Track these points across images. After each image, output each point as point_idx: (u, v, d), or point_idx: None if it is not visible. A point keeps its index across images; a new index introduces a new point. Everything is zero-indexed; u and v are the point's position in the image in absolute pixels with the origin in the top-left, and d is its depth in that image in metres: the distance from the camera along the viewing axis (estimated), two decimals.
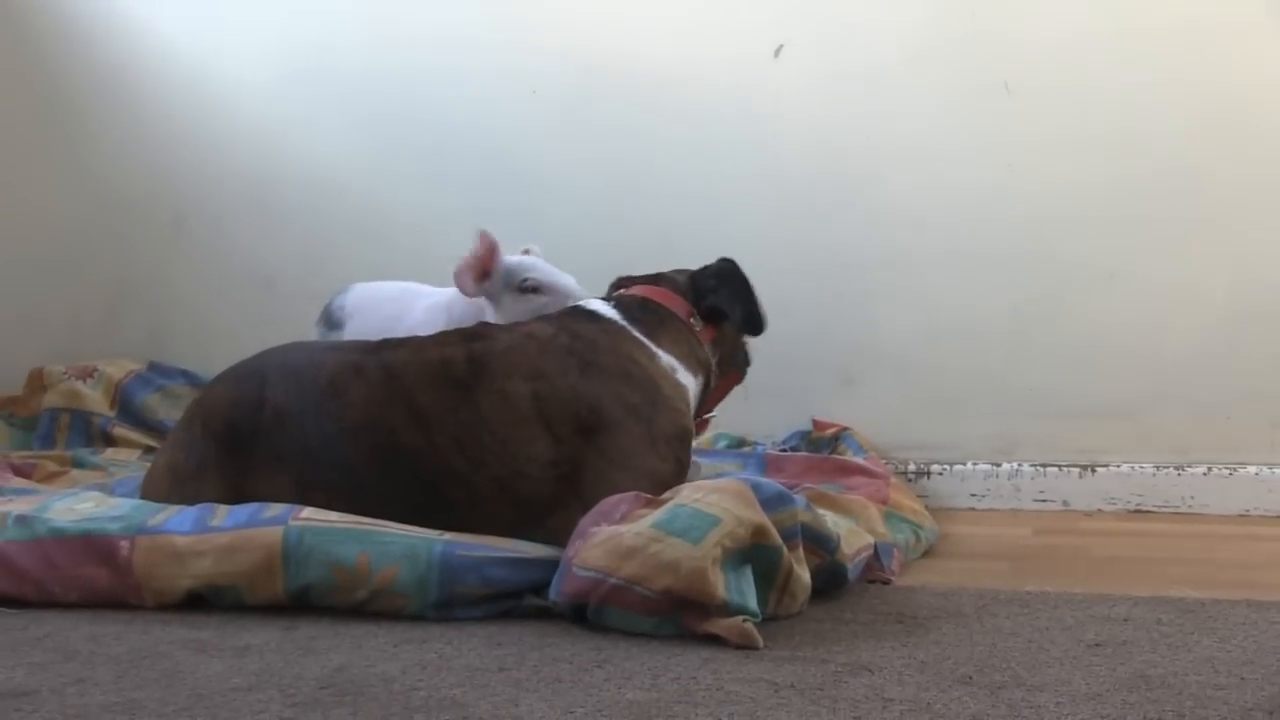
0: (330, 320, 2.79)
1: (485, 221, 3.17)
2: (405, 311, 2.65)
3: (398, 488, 2.13)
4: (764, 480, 1.97)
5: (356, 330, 2.70)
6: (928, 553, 2.50)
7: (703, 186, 3.12)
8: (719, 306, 2.43)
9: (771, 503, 1.91)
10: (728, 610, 1.80)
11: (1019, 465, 2.96)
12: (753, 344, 2.58)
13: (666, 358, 2.33)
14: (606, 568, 1.84)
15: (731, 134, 3.12)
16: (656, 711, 1.51)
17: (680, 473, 2.23)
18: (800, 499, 1.98)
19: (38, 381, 3.27)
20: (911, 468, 3.01)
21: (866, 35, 3.03)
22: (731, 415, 2.88)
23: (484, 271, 2.49)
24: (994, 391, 3.00)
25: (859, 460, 2.76)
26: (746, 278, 2.46)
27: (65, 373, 3.24)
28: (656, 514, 1.88)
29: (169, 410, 3.24)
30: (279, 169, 3.37)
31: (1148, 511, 2.87)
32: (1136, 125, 2.89)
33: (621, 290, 2.45)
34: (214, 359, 3.24)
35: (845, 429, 2.99)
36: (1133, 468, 2.89)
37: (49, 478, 2.85)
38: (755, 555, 1.87)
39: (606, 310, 2.36)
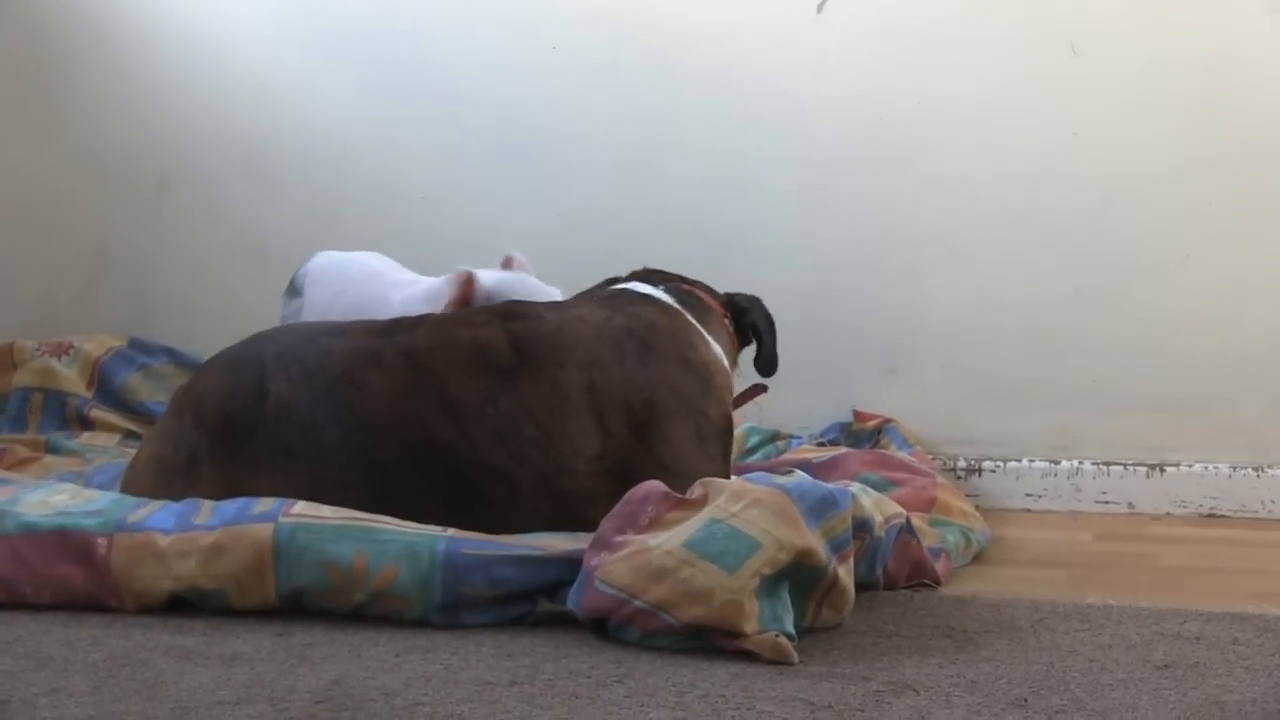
0: (292, 287, 2.82)
1: (499, 189, 3.20)
2: (376, 298, 2.65)
3: (429, 485, 2.13)
4: (807, 482, 1.95)
5: (316, 304, 2.72)
6: (978, 558, 2.50)
7: (735, 158, 3.10)
8: (756, 325, 2.51)
9: (817, 511, 1.90)
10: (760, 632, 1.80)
11: (1079, 463, 2.95)
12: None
13: (717, 347, 2.38)
14: (632, 588, 1.84)
15: (767, 101, 3.09)
16: None
17: (725, 469, 2.26)
18: (846, 494, 1.98)
19: (8, 358, 3.25)
20: (961, 464, 3.00)
21: None
22: (769, 407, 2.88)
23: (464, 305, 2.51)
24: (1053, 382, 2.99)
25: (905, 456, 2.76)
26: (772, 320, 2.54)
27: (39, 349, 3.23)
28: (690, 529, 1.87)
29: (151, 391, 3.23)
30: (275, 132, 3.35)
31: (1221, 516, 2.86)
32: (1216, 95, 2.86)
33: (662, 279, 2.49)
34: (201, 336, 3.27)
35: (889, 421, 2.98)
36: (1206, 468, 2.88)
37: (20, 464, 2.85)
38: (794, 572, 1.86)
39: (659, 294, 2.38)
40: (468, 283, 2.51)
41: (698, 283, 2.52)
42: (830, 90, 3.05)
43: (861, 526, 2.01)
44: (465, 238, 3.15)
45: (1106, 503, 2.93)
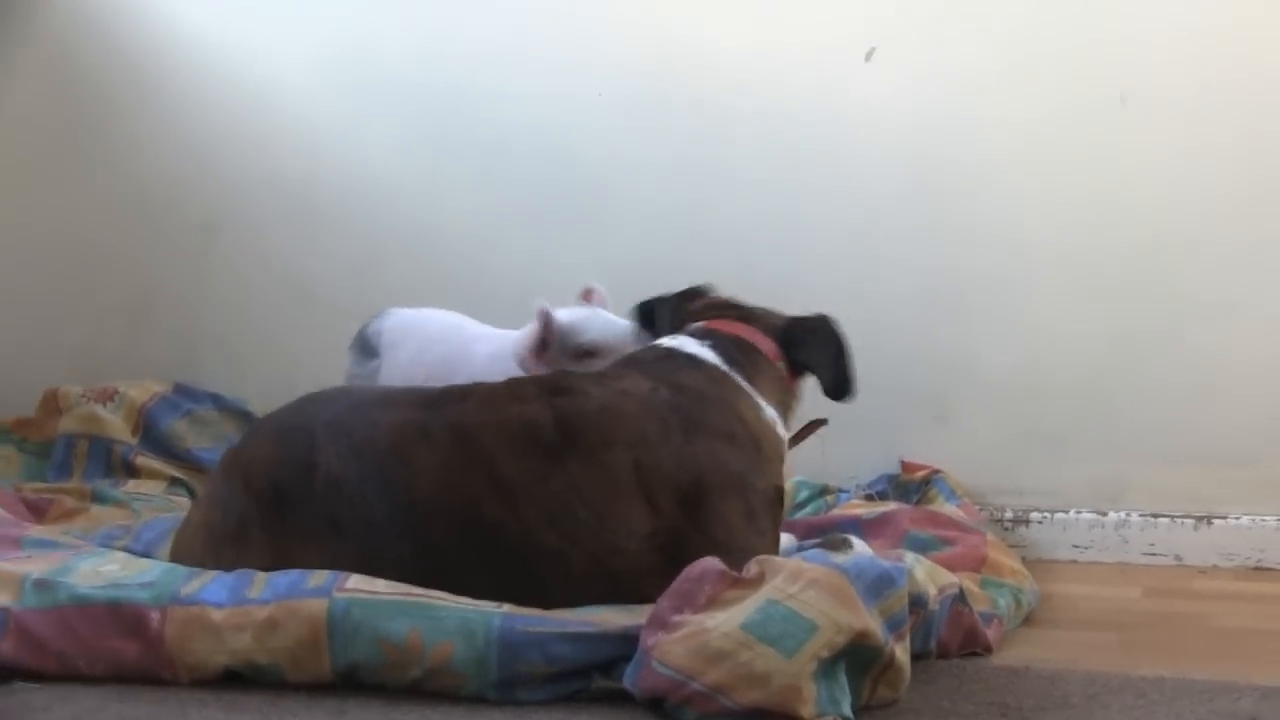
0: (365, 347, 2.83)
1: (545, 236, 3.21)
2: (460, 355, 2.68)
3: (481, 566, 2.13)
4: (864, 560, 1.96)
5: (397, 364, 2.75)
6: (1029, 619, 2.50)
7: (782, 199, 3.12)
8: (808, 364, 2.47)
9: (874, 590, 1.91)
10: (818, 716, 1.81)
11: (1127, 514, 2.95)
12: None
13: (769, 410, 2.37)
14: (690, 670, 1.84)
15: (815, 142, 3.11)
16: None
17: (775, 541, 2.27)
18: (902, 572, 1.98)
19: (53, 404, 3.27)
20: (1009, 515, 3.01)
21: (967, 39, 3.02)
22: (812, 456, 2.88)
23: (544, 344, 2.56)
24: (1101, 432, 2.99)
25: (953, 511, 2.77)
26: (842, 338, 2.48)
27: (83, 395, 3.24)
28: (748, 610, 1.88)
29: (197, 438, 3.25)
30: (320, 174, 3.37)
31: (1269, 569, 2.85)
32: (1264, 140, 2.86)
33: (710, 325, 2.46)
34: (247, 381, 3.30)
35: (936, 471, 2.99)
36: (1254, 520, 2.88)
37: (66, 515, 2.87)
38: (851, 652, 1.87)
39: (706, 354, 2.37)
40: (545, 319, 2.54)
41: (758, 315, 2.49)
42: (878, 137, 3.06)
43: (917, 602, 2.02)
44: (509, 289, 3.16)
45: (1153, 554, 2.93)
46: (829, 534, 2.52)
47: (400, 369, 2.75)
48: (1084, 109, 2.96)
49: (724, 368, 2.36)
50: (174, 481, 3.17)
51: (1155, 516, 2.93)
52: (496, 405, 2.22)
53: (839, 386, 2.46)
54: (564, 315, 2.60)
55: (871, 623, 1.87)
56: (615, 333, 2.59)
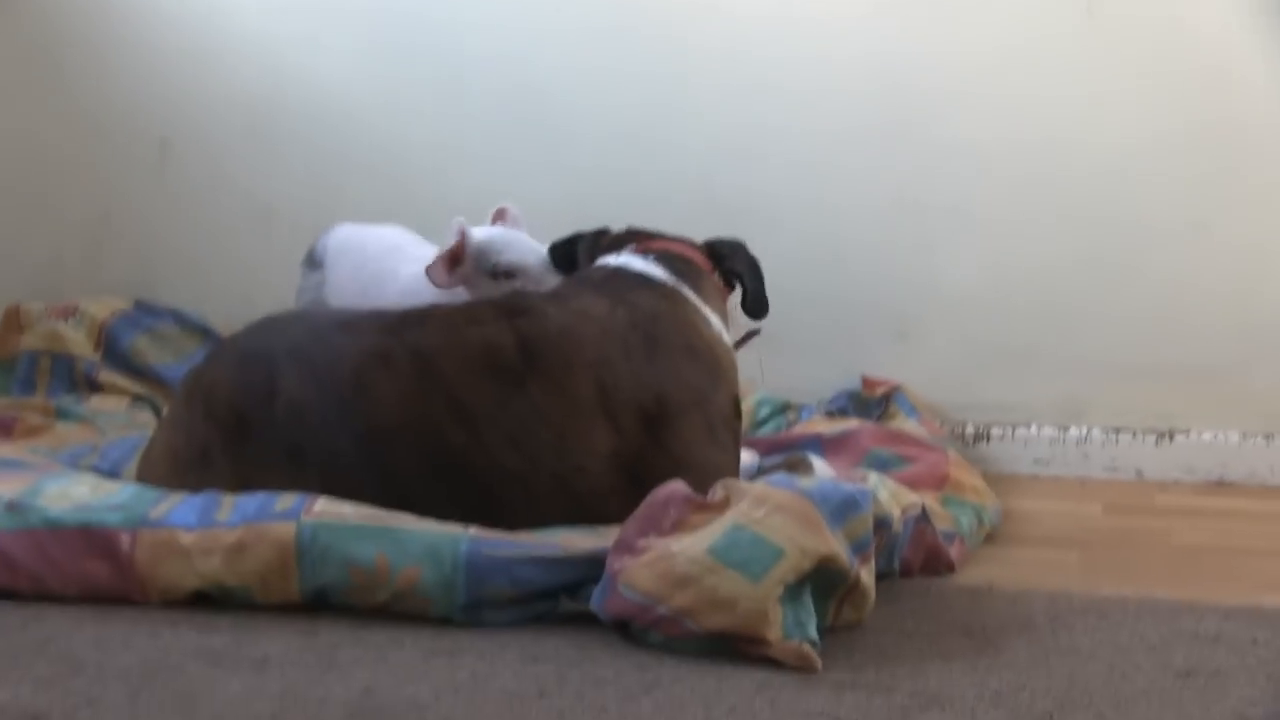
0: (312, 260, 2.88)
1: (505, 150, 3.20)
2: (389, 274, 2.71)
3: (444, 491, 2.14)
4: (829, 484, 1.98)
5: (336, 278, 2.79)
6: (991, 536, 2.52)
7: (744, 124, 3.11)
8: (737, 272, 2.49)
9: (839, 514, 1.92)
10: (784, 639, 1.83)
11: (1088, 430, 2.98)
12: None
13: (717, 321, 2.39)
14: (656, 594, 1.86)
15: (777, 65, 3.10)
16: None
17: (736, 455, 2.29)
18: (867, 495, 2.00)
19: (15, 320, 3.26)
20: (970, 430, 3.04)
21: None
22: (776, 373, 2.92)
23: (455, 259, 2.58)
24: (1063, 349, 3.02)
25: (914, 426, 2.80)
26: (756, 260, 2.52)
27: (45, 312, 3.24)
28: (713, 534, 1.89)
29: (159, 354, 3.24)
30: (279, 93, 3.34)
31: (1231, 484, 2.89)
32: (1234, 63, 2.86)
33: (647, 244, 2.48)
34: (206, 297, 3.29)
35: (897, 387, 3.01)
36: (1215, 436, 2.91)
37: (32, 433, 2.87)
38: (817, 575, 1.88)
39: (654, 270, 2.39)
40: (461, 235, 2.57)
41: (683, 240, 2.52)
42: (841, 54, 3.06)
43: (881, 524, 2.04)
44: (471, 201, 3.09)
45: (1115, 470, 2.96)
46: (789, 453, 2.54)
47: (339, 283, 2.80)
48: (1049, 20, 2.96)
49: (673, 282, 2.38)
50: (137, 398, 3.18)
51: (1117, 432, 2.96)
52: (455, 329, 2.21)
53: (758, 302, 2.49)
54: (481, 234, 2.61)
55: (837, 546, 1.89)
56: (534, 257, 2.60)
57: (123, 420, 3.02)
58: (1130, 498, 2.81)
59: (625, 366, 2.19)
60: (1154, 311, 2.96)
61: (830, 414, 2.97)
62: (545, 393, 2.16)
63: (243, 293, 3.23)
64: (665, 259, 2.42)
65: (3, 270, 3.47)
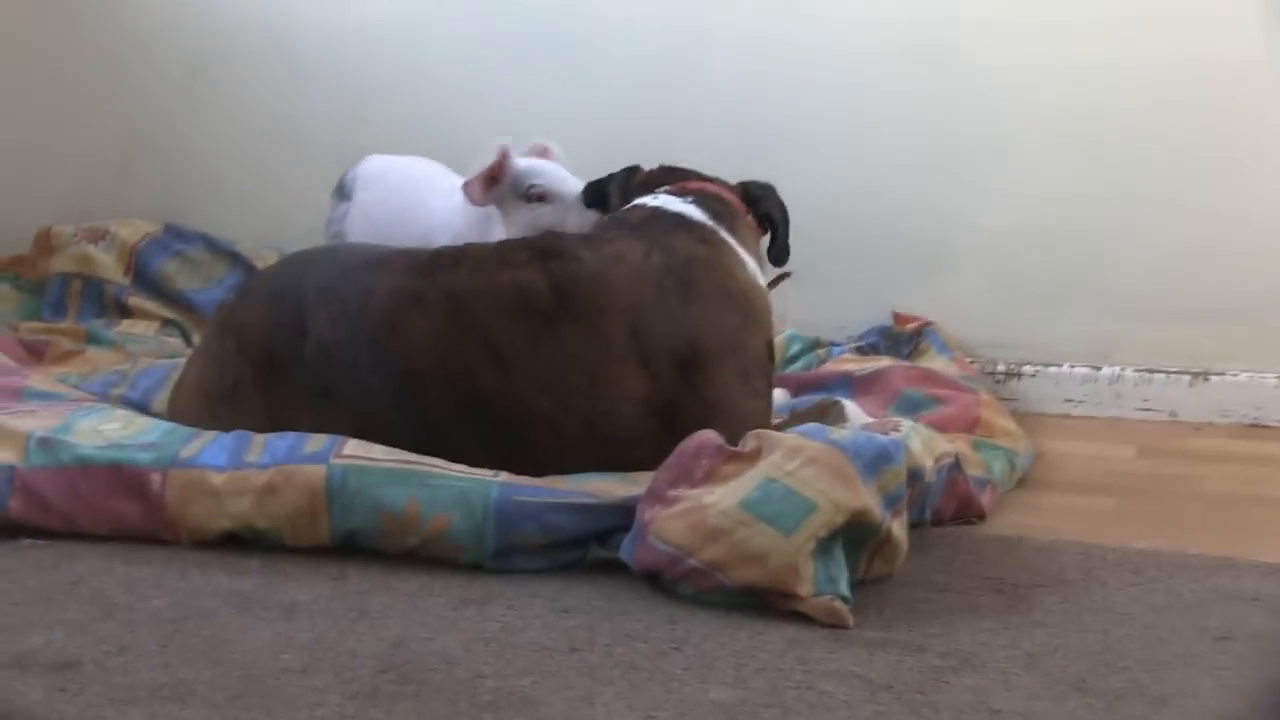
0: (342, 191, 2.87)
1: (535, 79, 3.16)
2: (416, 206, 2.72)
3: (475, 433, 2.12)
4: (862, 437, 1.96)
5: (362, 209, 2.79)
6: (1022, 480, 2.50)
7: (779, 51, 3.08)
8: (771, 215, 2.47)
9: (872, 466, 1.90)
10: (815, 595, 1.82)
11: (1121, 370, 2.95)
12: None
13: (752, 263, 2.36)
14: (687, 546, 1.85)
15: None
16: (744, 716, 1.54)
17: (769, 399, 2.27)
18: (899, 447, 1.98)
19: (45, 242, 3.28)
20: (1001, 368, 3.01)
21: None
22: (806, 307, 2.90)
23: (493, 179, 2.58)
24: (1096, 287, 2.98)
25: (945, 363, 2.78)
26: (785, 206, 2.49)
27: (75, 235, 3.24)
28: (746, 486, 1.88)
29: (188, 279, 3.24)
30: (306, 16, 3.32)
31: (1266, 426, 2.86)
32: None
33: (684, 185, 2.45)
34: (235, 220, 3.29)
35: (929, 323, 2.99)
36: (1250, 377, 2.88)
37: (63, 358, 2.88)
38: (848, 529, 1.87)
39: (692, 211, 2.35)
40: (503, 155, 2.57)
41: (717, 180, 2.49)
42: None
43: (913, 475, 2.02)
44: (500, 125, 3.08)
45: (1148, 410, 2.94)
46: (821, 394, 2.53)
47: (364, 214, 2.80)
48: None
49: (710, 224, 2.34)
50: (166, 323, 3.20)
51: (1150, 372, 2.94)
52: (489, 271, 2.19)
53: (783, 250, 2.47)
54: (521, 160, 2.62)
55: (870, 500, 1.87)
56: (568, 185, 2.60)
57: (153, 345, 3.04)
58: (1163, 440, 2.79)
59: (660, 312, 2.17)
60: (1189, 250, 2.92)
61: (861, 350, 2.95)
62: (578, 336, 2.14)
63: (270, 218, 3.23)
64: (702, 200, 2.39)
65: (33, 192, 3.46)
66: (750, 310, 2.28)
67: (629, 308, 2.16)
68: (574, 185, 2.60)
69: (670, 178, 2.48)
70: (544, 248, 2.23)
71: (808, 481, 1.86)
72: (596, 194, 2.54)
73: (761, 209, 2.46)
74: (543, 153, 2.68)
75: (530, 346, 2.14)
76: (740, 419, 2.12)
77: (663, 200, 2.39)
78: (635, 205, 2.41)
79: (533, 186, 2.58)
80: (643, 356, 2.15)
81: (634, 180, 2.51)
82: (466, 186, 2.58)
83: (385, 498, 1.99)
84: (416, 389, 2.14)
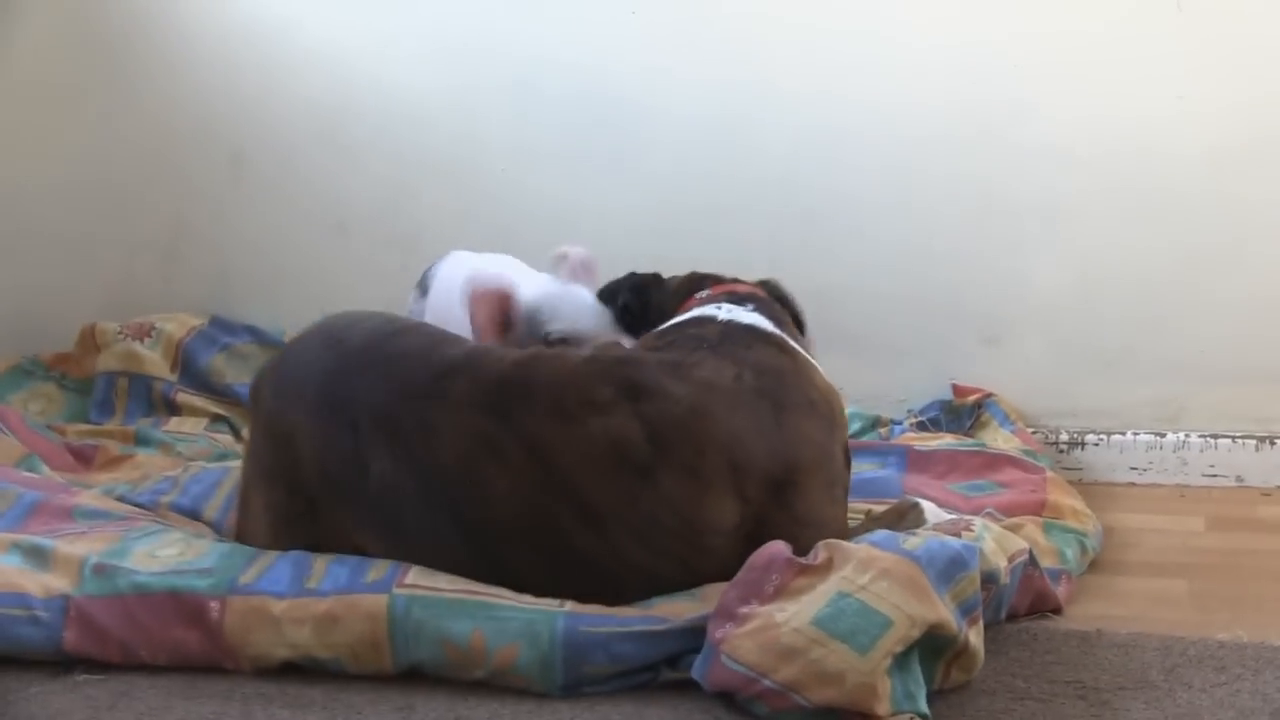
0: (422, 286, 2.79)
1: (580, 160, 3.13)
2: None
3: (567, 586, 2.01)
4: (935, 544, 1.90)
5: (434, 307, 2.70)
6: (1094, 562, 2.45)
7: (826, 125, 3.02)
8: (799, 313, 2.44)
9: (946, 574, 1.86)
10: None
11: (1186, 435, 2.90)
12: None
13: (819, 367, 2.30)
14: (761, 666, 1.80)
15: (860, 57, 3.00)
16: None
17: (845, 509, 2.23)
18: (974, 552, 1.93)
19: (90, 340, 3.25)
20: (1064, 437, 2.96)
21: None
22: (866, 380, 2.86)
23: (503, 324, 2.49)
24: (1158, 352, 2.93)
25: (1007, 437, 2.74)
26: None
27: (120, 331, 3.22)
28: (818, 602, 1.83)
29: (236, 373, 3.21)
30: (350, 101, 3.27)
31: None
32: None
33: (729, 289, 2.39)
34: (283, 311, 3.26)
35: (989, 395, 2.94)
36: None
37: (112, 463, 2.86)
38: (925, 640, 1.82)
39: (763, 322, 2.28)
40: (503, 300, 2.47)
41: (745, 282, 2.43)
42: (925, 55, 2.96)
43: (988, 579, 1.97)
44: (546, 209, 3.13)
45: (1214, 475, 2.88)
46: (899, 499, 2.44)
47: (439, 311, 2.71)
48: (1138, 16, 2.85)
49: (779, 332, 2.28)
50: (215, 418, 3.15)
51: (1215, 437, 2.88)
52: (571, 416, 2.04)
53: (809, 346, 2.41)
54: (530, 296, 2.50)
55: (945, 612, 1.83)
56: (588, 318, 2.47)
57: (203, 444, 3.00)
58: (1232, 508, 2.74)
59: (757, 441, 2.07)
60: (1249, 311, 2.86)
61: (921, 424, 2.91)
62: (676, 482, 2.02)
63: (318, 307, 3.16)
64: (761, 305, 2.33)
65: (77, 287, 3.43)
66: (832, 418, 2.22)
67: (727, 443, 2.05)
68: (591, 313, 2.48)
69: (705, 282, 2.42)
70: (628, 384, 2.07)
71: (881, 595, 1.82)
72: (615, 298, 2.48)
73: (793, 307, 2.42)
74: (561, 260, 2.55)
75: (626, 502, 2.01)
76: (825, 530, 2.05)
77: (728, 311, 2.30)
78: (700, 318, 2.30)
79: (550, 335, 2.47)
80: (739, 488, 2.05)
81: (670, 288, 2.46)
82: (476, 340, 2.46)
83: (450, 630, 1.95)
84: (500, 545, 2.04)
